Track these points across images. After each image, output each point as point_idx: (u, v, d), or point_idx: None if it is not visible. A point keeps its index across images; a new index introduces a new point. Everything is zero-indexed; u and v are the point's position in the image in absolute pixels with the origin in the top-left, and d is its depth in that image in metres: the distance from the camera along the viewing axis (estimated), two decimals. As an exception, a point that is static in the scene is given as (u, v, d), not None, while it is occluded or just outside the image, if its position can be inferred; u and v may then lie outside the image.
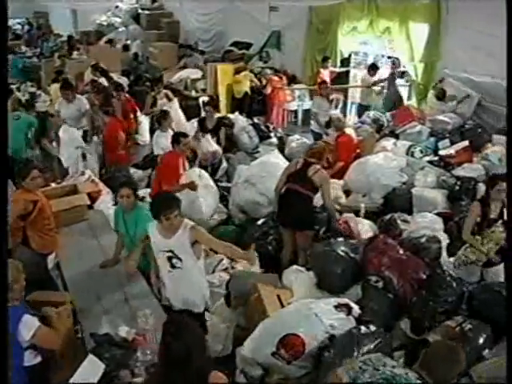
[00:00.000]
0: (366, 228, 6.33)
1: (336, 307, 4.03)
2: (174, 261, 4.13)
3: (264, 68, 12.17)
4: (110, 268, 4.84)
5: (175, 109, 9.31)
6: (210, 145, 7.84)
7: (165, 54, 13.72)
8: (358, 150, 8.00)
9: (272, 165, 6.73)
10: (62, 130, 7.79)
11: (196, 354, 2.63)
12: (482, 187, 6.64)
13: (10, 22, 23.25)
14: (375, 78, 10.50)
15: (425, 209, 6.58)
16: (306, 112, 11.69)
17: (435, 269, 4.48)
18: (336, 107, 11.78)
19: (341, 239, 5.18)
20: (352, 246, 5.09)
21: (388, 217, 6.45)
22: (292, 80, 12.70)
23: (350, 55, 11.83)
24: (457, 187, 6.70)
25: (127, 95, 9.12)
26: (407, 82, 10.55)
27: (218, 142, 8.21)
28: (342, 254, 4.79)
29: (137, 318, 3.82)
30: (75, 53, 13.35)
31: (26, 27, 21.11)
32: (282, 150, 9.09)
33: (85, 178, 6.48)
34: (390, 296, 4.35)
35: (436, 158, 7.35)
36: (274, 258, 5.92)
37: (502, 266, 5.20)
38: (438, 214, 6.42)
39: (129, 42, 16.18)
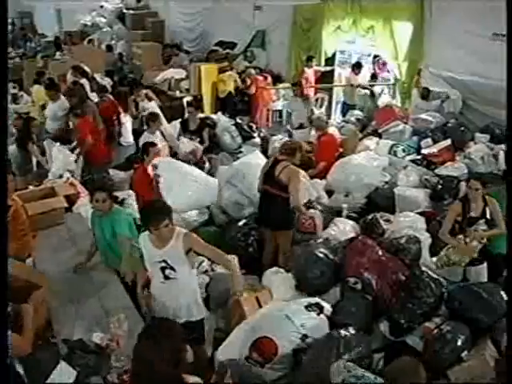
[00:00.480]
0: (348, 228, 6.30)
1: (307, 307, 3.98)
2: (168, 271, 3.97)
3: (249, 68, 12.08)
4: (86, 273, 4.73)
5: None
6: (186, 145, 7.75)
7: (148, 54, 13.60)
8: (340, 150, 7.99)
9: (253, 165, 6.65)
10: (56, 149, 7.58)
11: (163, 362, 2.55)
12: (464, 186, 6.66)
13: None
14: (359, 77, 10.47)
15: (407, 208, 6.55)
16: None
17: (414, 270, 4.42)
18: (321, 107, 11.83)
19: (320, 240, 5.12)
20: (332, 247, 5.05)
21: (370, 216, 6.42)
22: (277, 79, 12.67)
23: (334, 54, 11.77)
24: (439, 186, 6.69)
25: (110, 96, 9.01)
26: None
27: (202, 143, 8.16)
28: (320, 255, 4.75)
29: (110, 322, 3.74)
30: (58, 53, 13.20)
31: (9, 27, 20.85)
32: (265, 150, 9.08)
33: (63, 181, 6.38)
34: (368, 298, 4.31)
35: (419, 157, 7.34)
36: (255, 259, 5.85)
37: (484, 265, 5.21)
38: (420, 214, 6.40)
39: (113, 42, 16.03)
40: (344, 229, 6.27)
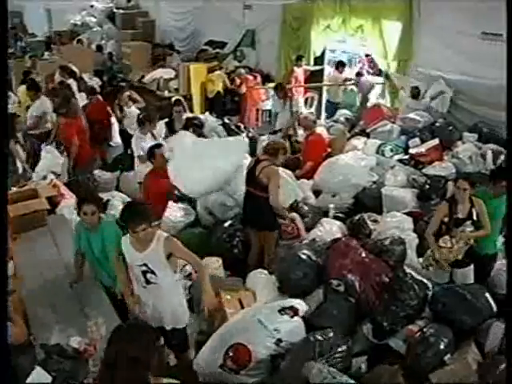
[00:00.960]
0: (334, 229, 6.25)
1: (280, 311, 3.93)
2: (149, 275, 3.87)
3: (239, 67, 12.03)
4: (66, 277, 4.65)
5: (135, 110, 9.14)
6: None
7: (137, 54, 13.52)
8: (329, 150, 7.94)
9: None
10: (44, 150, 7.48)
11: (129, 365, 2.49)
12: (451, 186, 6.62)
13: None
14: (343, 75, 10.47)
15: (395, 208, 6.51)
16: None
17: (397, 272, 4.37)
18: (310, 106, 11.80)
19: (306, 241, 5.06)
20: (316, 248, 4.99)
21: (357, 217, 6.39)
22: (266, 79, 12.61)
23: (323, 53, 11.73)
24: (427, 186, 6.66)
25: (99, 97, 8.94)
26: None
27: None
28: (303, 257, 4.68)
29: (88, 327, 3.68)
30: (46, 53, 13.09)
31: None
32: (253, 150, 9.03)
33: (47, 182, 6.29)
34: (351, 300, 4.24)
35: (406, 157, 7.29)
36: (240, 260, 5.80)
37: (471, 267, 5.17)
38: (407, 214, 6.37)
39: (103, 41, 15.93)
40: (330, 229, 6.21)
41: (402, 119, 8.06)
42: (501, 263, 5.54)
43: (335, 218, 6.64)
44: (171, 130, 7.98)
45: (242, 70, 11.46)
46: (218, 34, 14.31)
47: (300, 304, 4.13)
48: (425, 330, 3.84)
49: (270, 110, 11.92)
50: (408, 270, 4.43)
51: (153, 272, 3.87)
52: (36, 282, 4.58)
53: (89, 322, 3.74)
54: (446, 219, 4.95)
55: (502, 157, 6.89)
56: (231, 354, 3.71)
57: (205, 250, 6.25)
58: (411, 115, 8.08)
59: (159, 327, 3.92)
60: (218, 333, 3.95)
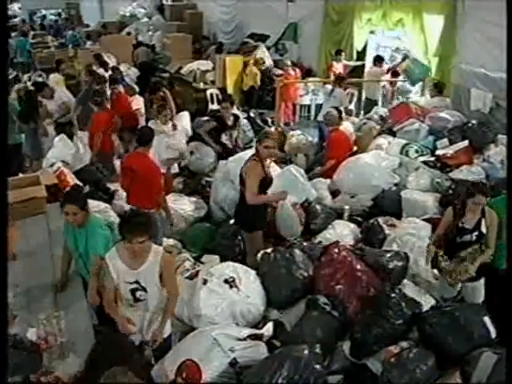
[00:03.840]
0: (346, 232, 5.95)
1: (240, 339, 3.65)
2: (139, 293, 3.65)
3: (281, 60, 11.80)
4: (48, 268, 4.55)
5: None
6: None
7: (177, 45, 13.47)
8: (355, 148, 7.58)
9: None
10: (58, 137, 7.51)
11: None
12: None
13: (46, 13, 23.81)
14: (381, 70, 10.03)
15: (414, 213, 6.11)
16: (320, 106, 11.23)
17: (384, 286, 3.97)
18: (350, 102, 11.38)
19: (298, 251, 4.62)
20: (314, 254, 4.59)
21: (372, 220, 6.04)
22: (308, 73, 12.31)
23: (365, 48, 11.29)
24: (450, 191, 6.18)
25: (121, 89, 8.91)
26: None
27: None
28: (295, 273, 4.23)
29: (48, 319, 3.55)
30: (88, 43, 13.28)
31: (54, 18, 21.33)
32: (282, 145, 8.78)
33: (53, 170, 6.26)
34: (334, 315, 3.86)
35: (432, 159, 6.81)
36: (239, 260, 5.55)
37: (481, 281, 4.73)
38: (427, 220, 5.95)
39: (150, 33, 16.04)
40: (341, 232, 5.92)
41: (431, 118, 7.54)
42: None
43: (352, 220, 6.32)
44: (224, 126, 7.60)
45: (289, 62, 11.15)
46: (261, 26, 14.17)
47: (267, 330, 3.85)
48: (404, 353, 3.44)
49: (309, 105, 11.67)
50: (400, 286, 4.01)
51: (144, 289, 3.64)
52: (16, 268, 4.48)
53: (51, 313, 3.60)
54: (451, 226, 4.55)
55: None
56: (182, 371, 3.48)
57: (210, 245, 6.14)
58: (441, 114, 7.56)
59: None
60: (175, 346, 3.73)
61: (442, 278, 4.74)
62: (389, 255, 4.42)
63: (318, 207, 6.19)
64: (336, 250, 4.19)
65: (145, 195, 5.44)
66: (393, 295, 3.79)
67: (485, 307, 4.06)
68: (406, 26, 9.60)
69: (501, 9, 8.00)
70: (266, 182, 4.98)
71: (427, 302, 4.34)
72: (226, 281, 4.09)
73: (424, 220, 5.93)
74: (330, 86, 9.78)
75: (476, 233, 4.44)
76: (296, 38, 12.80)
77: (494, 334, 3.65)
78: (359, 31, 11.06)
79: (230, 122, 7.46)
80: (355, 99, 11.37)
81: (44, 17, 23.47)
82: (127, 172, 5.65)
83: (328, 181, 6.78)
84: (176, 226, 6.72)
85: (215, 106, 10.48)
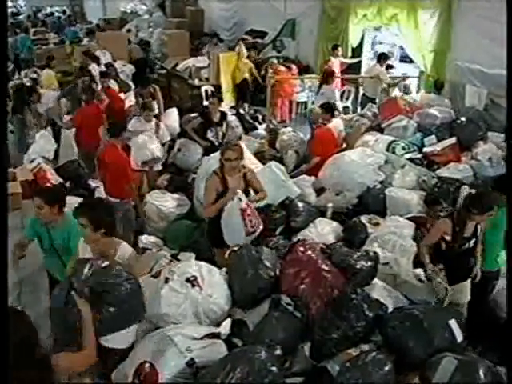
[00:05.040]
0: (327, 230, 5.81)
1: (195, 338, 3.56)
2: None
3: (277, 57, 11.70)
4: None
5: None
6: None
7: (174, 42, 13.38)
8: (344, 145, 7.46)
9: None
10: (40, 134, 7.47)
11: None
12: (466, 190, 5.99)
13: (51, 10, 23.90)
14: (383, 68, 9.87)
15: (398, 211, 5.97)
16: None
17: (346, 288, 3.81)
18: (347, 99, 11.27)
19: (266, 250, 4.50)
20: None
21: (355, 219, 5.90)
22: (305, 70, 12.17)
23: (361, 43, 11.13)
24: (435, 189, 6.03)
25: (111, 84, 8.87)
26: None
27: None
28: (261, 273, 4.08)
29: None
30: (85, 40, 13.25)
31: (58, 15, 21.40)
32: (273, 142, 8.70)
33: (33, 166, 6.20)
34: (297, 315, 3.73)
35: (419, 156, 6.66)
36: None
37: (466, 282, 4.65)
38: (411, 219, 5.81)
39: (150, 29, 15.99)
40: (322, 231, 5.79)
41: (419, 115, 7.38)
42: (503, 283, 4.96)
43: (336, 218, 6.19)
44: (209, 123, 7.59)
45: (275, 60, 11.03)
46: (261, 23, 14.11)
47: (224, 327, 3.75)
48: (360, 356, 3.30)
49: (305, 102, 11.53)
50: (364, 288, 3.84)
51: None
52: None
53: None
54: (448, 237, 4.40)
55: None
56: (139, 373, 3.39)
57: (188, 243, 6.06)
58: (430, 110, 7.39)
59: None
60: (134, 347, 3.65)
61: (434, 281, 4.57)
62: (357, 255, 4.27)
63: (299, 205, 6.05)
64: (301, 249, 4.05)
65: (116, 186, 5.66)
66: (353, 296, 3.65)
67: (453, 310, 3.92)
68: (400, 21, 9.44)
69: (496, 5, 7.91)
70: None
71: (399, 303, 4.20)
72: (187, 280, 3.98)
73: (408, 219, 5.79)
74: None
75: (474, 240, 4.37)
76: (293, 35, 12.68)
77: (460, 338, 3.51)
78: (354, 27, 10.92)
79: (216, 119, 7.38)
80: (352, 96, 11.26)
81: (49, 14, 23.54)
82: (100, 164, 5.85)
83: (312, 178, 6.64)
84: (157, 223, 6.70)
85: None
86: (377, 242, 5.45)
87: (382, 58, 10.20)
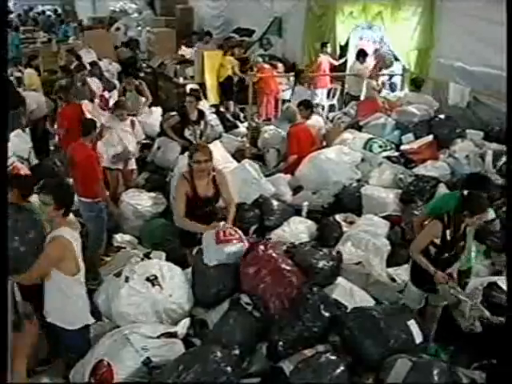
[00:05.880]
0: (301, 229, 5.76)
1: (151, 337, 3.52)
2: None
3: (257, 55, 11.61)
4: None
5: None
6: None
7: (161, 40, 13.31)
8: (324, 143, 7.40)
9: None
10: (14, 133, 7.41)
11: None
12: (442, 188, 5.94)
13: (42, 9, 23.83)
14: (364, 66, 9.81)
15: (374, 210, 5.93)
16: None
17: (304, 288, 3.73)
18: (333, 97, 11.23)
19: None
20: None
21: (331, 218, 5.85)
22: (292, 68, 12.08)
23: (347, 42, 11.08)
24: (411, 187, 5.98)
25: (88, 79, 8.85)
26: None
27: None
28: (220, 271, 4.06)
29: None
30: (71, 38, 13.19)
31: (48, 13, 21.34)
32: (256, 140, 8.64)
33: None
34: (256, 315, 3.67)
35: (396, 154, 6.60)
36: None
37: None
38: (386, 217, 5.76)
39: (139, 28, 15.93)
40: (296, 229, 5.73)
41: (398, 112, 7.32)
42: (476, 282, 4.87)
43: (311, 217, 6.12)
44: (186, 121, 7.41)
45: (259, 58, 10.96)
46: (249, 21, 14.02)
47: (181, 327, 3.71)
48: (315, 357, 3.24)
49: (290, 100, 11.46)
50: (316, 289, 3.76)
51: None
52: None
53: None
54: (437, 240, 4.17)
55: (504, 158, 6.10)
56: (95, 371, 3.37)
57: (165, 242, 5.99)
58: (408, 108, 7.34)
59: None
60: (93, 347, 3.62)
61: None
62: (319, 255, 4.21)
63: (274, 203, 5.99)
64: (262, 248, 3.98)
65: (85, 185, 5.58)
66: (309, 296, 3.59)
67: (411, 310, 3.83)
68: (384, 19, 9.39)
69: (479, 3, 7.86)
70: (196, 202, 4.72)
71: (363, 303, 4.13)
72: (148, 279, 3.94)
73: (383, 217, 5.75)
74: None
75: (462, 243, 4.24)
76: (280, 33, 12.62)
77: (419, 339, 3.45)
78: (341, 25, 10.84)
79: (193, 118, 7.30)
80: (338, 94, 11.21)
81: (41, 13, 23.48)
82: (70, 162, 5.82)
83: (288, 177, 6.58)
84: (133, 221, 6.65)
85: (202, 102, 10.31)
86: (350, 240, 5.40)
87: (360, 55, 10.15)
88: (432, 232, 4.19)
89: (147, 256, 5.54)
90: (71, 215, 5.71)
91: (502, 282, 4.82)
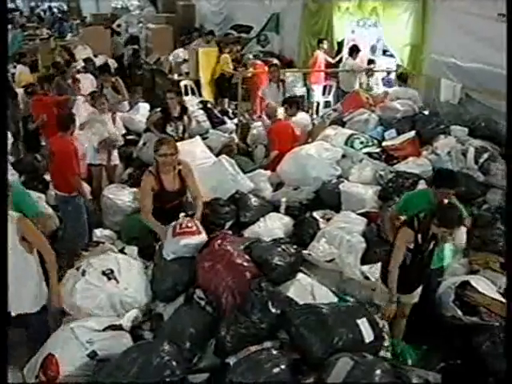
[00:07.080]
0: (277, 225, 5.68)
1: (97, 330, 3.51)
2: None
3: (250, 52, 11.59)
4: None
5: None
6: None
7: (158, 36, 13.30)
8: (310, 140, 7.33)
9: (186, 152, 6.08)
10: None
11: None
12: (422, 185, 5.84)
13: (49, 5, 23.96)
14: (356, 61, 9.72)
15: (352, 206, 5.84)
16: (300, 98, 10.94)
17: (252, 285, 3.67)
18: (329, 93, 11.15)
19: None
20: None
21: (307, 214, 5.78)
22: (289, 64, 12.03)
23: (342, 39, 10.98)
24: (390, 184, 5.89)
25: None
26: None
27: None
28: (176, 266, 4.05)
29: None
30: (69, 35, 13.25)
31: (52, 10, 21.45)
32: (245, 137, 8.62)
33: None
34: (208, 310, 3.63)
35: (378, 150, 6.51)
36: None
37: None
38: (364, 214, 5.68)
39: (140, 24, 15.94)
40: (272, 225, 5.66)
41: (381, 108, 7.22)
42: (449, 281, 4.79)
43: (290, 213, 6.06)
44: (168, 117, 7.32)
45: (250, 55, 10.92)
46: (249, 18, 13.98)
47: (127, 320, 3.68)
48: (257, 353, 3.14)
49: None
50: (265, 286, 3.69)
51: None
52: None
53: None
54: (411, 246, 4.05)
55: (486, 155, 5.99)
56: (43, 366, 3.37)
57: (143, 237, 5.97)
58: (392, 103, 7.24)
59: None
60: (46, 341, 3.61)
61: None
62: (276, 251, 4.14)
63: (250, 199, 5.93)
64: (218, 242, 3.95)
65: (61, 178, 5.62)
66: (257, 293, 3.53)
67: (365, 309, 3.74)
68: (379, 15, 9.31)
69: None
70: (163, 196, 4.70)
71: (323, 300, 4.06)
72: (103, 273, 3.92)
73: (361, 214, 5.67)
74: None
75: (434, 243, 4.10)
76: (278, 29, 12.56)
77: (369, 338, 3.37)
78: (338, 22, 10.77)
79: (176, 114, 7.26)
80: (333, 90, 11.13)
81: (48, 9, 23.59)
82: (50, 156, 5.79)
83: (268, 172, 6.52)
84: (114, 216, 6.63)
85: (189, 98, 10.30)
86: (324, 237, 5.34)
87: (353, 51, 10.07)
88: (404, 238, 4.07)
89: (121, 251, 5.54)
90: (49, 209, 5.79)
91: (475, 281, 4.78)
